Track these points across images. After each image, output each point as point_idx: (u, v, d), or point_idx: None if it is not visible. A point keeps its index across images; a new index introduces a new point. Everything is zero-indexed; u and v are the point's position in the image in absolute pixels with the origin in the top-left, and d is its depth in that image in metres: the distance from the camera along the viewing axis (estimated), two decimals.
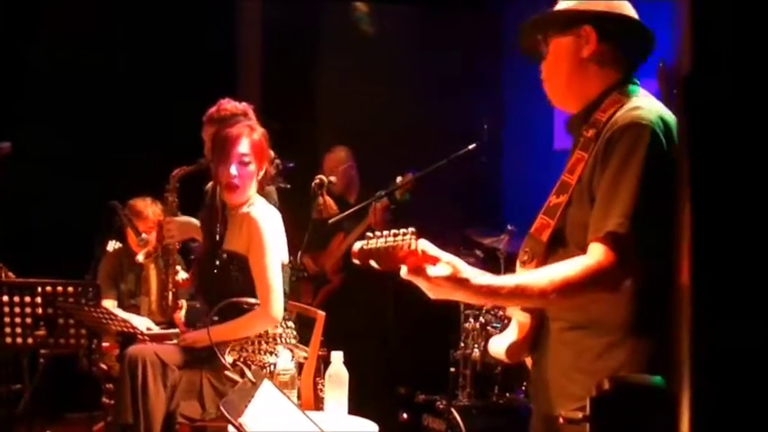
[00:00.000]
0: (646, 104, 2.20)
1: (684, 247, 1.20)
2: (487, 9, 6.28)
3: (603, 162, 2.14)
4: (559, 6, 2.39)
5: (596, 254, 2.09)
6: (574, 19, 2.32)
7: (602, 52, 2.31)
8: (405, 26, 6.40)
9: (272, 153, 3.87)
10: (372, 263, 2.04)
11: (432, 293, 2.09)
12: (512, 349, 2.33)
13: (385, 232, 2.04)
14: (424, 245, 2.05)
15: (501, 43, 6.36)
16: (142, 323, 4.63)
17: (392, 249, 2.03)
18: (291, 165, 4.51)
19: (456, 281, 2.05)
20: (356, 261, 2.07)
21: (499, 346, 2.36)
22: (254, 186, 3.78)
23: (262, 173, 3.80)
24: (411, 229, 2.04)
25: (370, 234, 2.05)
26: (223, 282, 3.73)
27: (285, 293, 3.78)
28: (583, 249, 2.14)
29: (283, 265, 3.76)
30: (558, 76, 2.36)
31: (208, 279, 3.82)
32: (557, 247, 2.24)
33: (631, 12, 2.36)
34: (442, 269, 2.05)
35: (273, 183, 3.99)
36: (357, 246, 2.06)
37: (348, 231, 5.66)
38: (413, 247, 2.03)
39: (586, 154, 2.22)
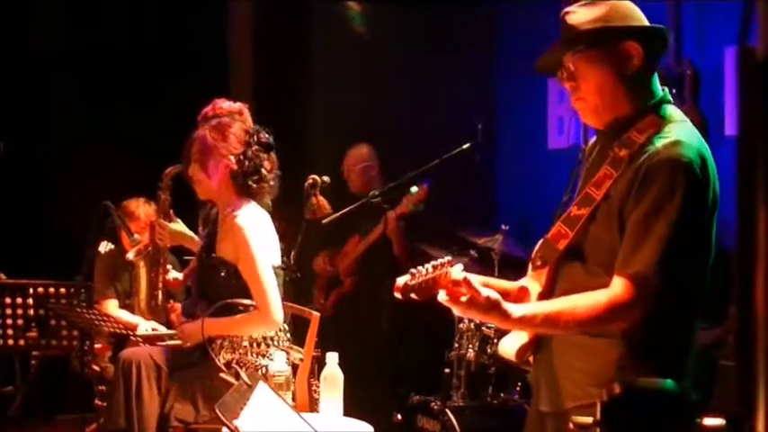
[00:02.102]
0: (685, 137, 2.19)
1: (760, 272, 1.11)
2: (482, 8, 6.27)
3: (639, 193, 2.15)
4: (586, 18, 2.29)
5: (620, 290, 2.13)
6: (615, 34, 2.27)
7: (644, 68, 2.28)
8: (398, 25, 6.38)
9: (238, 147, 3.71)
10: (413, 296, 2.10)
11: (464, 315, 2.23)
12: (522, 350, 2.37)
13: (426, 266, 2.09)
14: (458, 273, 2.10)
15: (495, 42, 6.35)
16: (148, 327, 4.62)
17: (431, 281, 2.09)
18: None
19: (487, 308, 2.10)
20: (398, 295, 2.12)
21: (509, 347, 2.40)
22: (218, 182, 3.70)
23: (216, 174, 3.70)
24: (448, 258, 2.09)
25: (413, 270, 2.10)
26: (211, 283, 3.72)
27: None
28: (603, 267, 2.19)
29: (275, 268, 3.74)
30: (599, 95, 2.29)
31: (201, 277, 3.82)
32: (573, 260, 2.27)
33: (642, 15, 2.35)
34: (485, 307, 2.10)
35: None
36: (401, 281, 2.11)
37: (364, 234, 5.61)
38: (450, 276, 2.09)
39: (616, 172, 2.22)
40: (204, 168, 3.70)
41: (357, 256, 5.68)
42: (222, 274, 3.67)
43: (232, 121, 3.78)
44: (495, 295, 2.11)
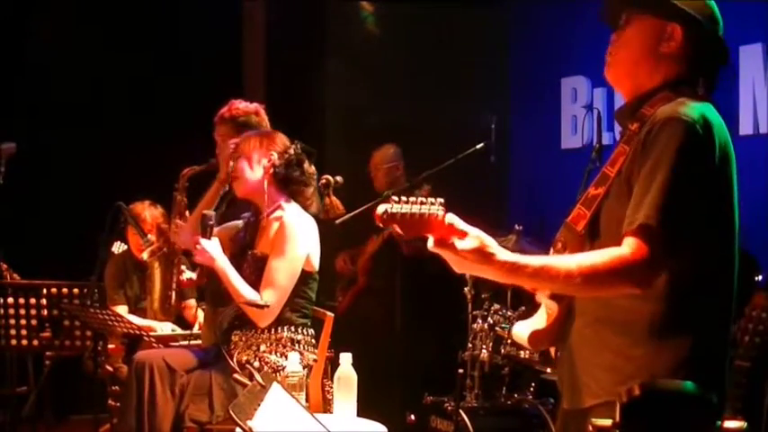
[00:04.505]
0: (691, 103, 2.17)
1: None
2: (495, 7, 6.25)
3: (642, 157, 2.12)
4: None
5: (626, 247, 2.07)
6: (668, 9, 2.25)
7: (678, 55, 2.26)
8: (411, 25, 6.37)
9: (282, 147, 3.79)
10: (396, 228, 1.98)
11: (457, 267, 2.07)
12: (535, 336, 2.32)
13: (411, 198, 1.98)
14: (453, 218, 2.02)
15: (508, 42, 6.33)
16: (165, 328, 4.63)
17: (419, 217, 1.97)
18: None
19: (482, 255, 2.02)
20: (380, 224, 2.00)
21: (523, 331, 2.35)
22: (255, 181, 3.74)
23: (259, 168, 3.75)
24: (440, 200, 1.99)
25: (395, 198, 1.98)
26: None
27: (311, 300, 3.79)
28: (618, 242, 2.11)
29: (313, 272, 3.76)
30: (626, 55, 2.29)
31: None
32: (592, 238, 2.23)
33: (720, 20, 2.31)
34: (469, 242, 2.02)
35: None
36: (381, 209, 1.97)
37: (378, 233, 5.65)
38: (441, 218, 1.99)
39: (628, 147, 2.19)
40: (250, 164, 3.75)
41: (370, 255, 5.73)
42: (254, 272, 3.68)
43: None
44: (484, 236, 2.03)
